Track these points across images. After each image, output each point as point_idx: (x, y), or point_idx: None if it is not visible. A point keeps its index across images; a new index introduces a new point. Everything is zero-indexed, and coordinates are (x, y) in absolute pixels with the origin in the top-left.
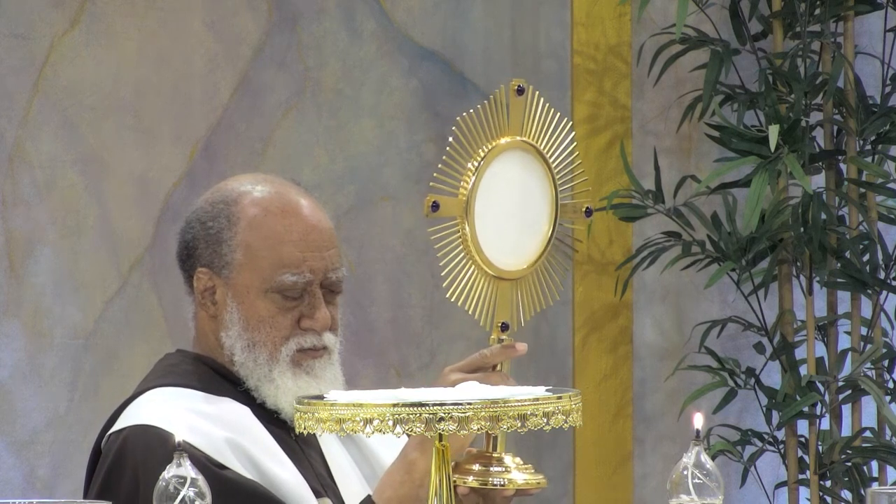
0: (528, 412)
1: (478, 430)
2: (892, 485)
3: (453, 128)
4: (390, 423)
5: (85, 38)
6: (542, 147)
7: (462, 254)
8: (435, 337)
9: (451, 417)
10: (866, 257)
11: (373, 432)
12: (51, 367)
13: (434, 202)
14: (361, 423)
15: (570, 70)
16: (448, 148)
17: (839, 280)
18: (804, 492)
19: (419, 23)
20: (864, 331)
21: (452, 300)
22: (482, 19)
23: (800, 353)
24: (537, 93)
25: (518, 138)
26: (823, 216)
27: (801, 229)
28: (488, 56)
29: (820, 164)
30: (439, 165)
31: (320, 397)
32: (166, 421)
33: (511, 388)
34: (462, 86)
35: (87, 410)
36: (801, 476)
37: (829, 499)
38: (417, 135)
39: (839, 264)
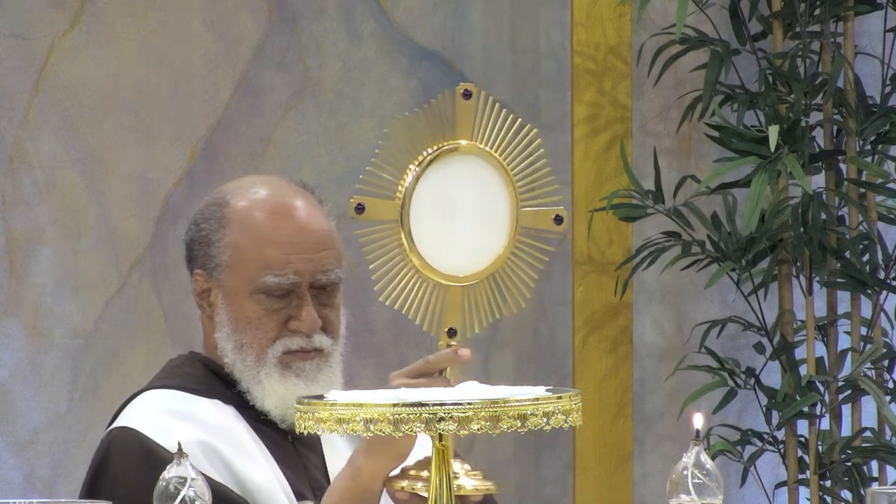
0: (528, 412)
1: (477, 429)
2: (892, 485)
3: (385, 129)
4: (390, 423)
5: (85, 38)
6: (497, 152)
7: (399, 257)
8: (435, 337)
9: (451, 417)
10: (866, 257)
11: (373, 432)
12: (51, 367)
13: (359, 204)
14: (361, 423)
15: (570, 70)
16: (377, 150)
17: (839, 280)
18: (804, 492)
19: (419, 23)
20: (863, 331)
21: (387, 304)
22: (482, 19)
23: (800, 353)
24: (491, 98)
25: (467, 143)
26: (823, 216)
27: (801, 229)
28: (488, 56)
29: (820, 164)
30: (367, 168)
31: (320, 397)
32: (144, 423)
33: (511, 388)
34: None
35: (87, 410)
36: (800, 476)
37: (829, 499)
38: None
39: (839, 264)
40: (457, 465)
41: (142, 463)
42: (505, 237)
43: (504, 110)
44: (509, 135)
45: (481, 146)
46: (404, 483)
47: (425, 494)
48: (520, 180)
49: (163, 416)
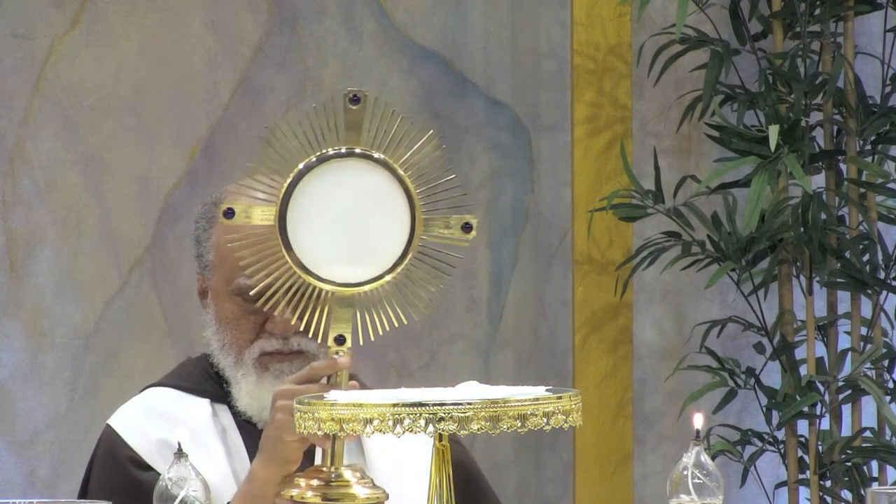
0: (528, 412)
1: (477, 429)
2: (892, 485)
3: (264, 136)
4: (390, 423)
5: (85, 38)
6: (392, 159)
7: (279, 262)
8: (435, 337)
9: (451, 417)
10: (866, 257)
11: (373, 432)
12: (51, 367)
13: (228, 209)
14: (361, 423)
15: (570, 70)
16: (256, 151)
17: (839, 280)
18: (804, 492)
19: (419, 23)
20: (864, 331)
21: (266, 309)
22: (482, 19)
23: (800, 353)
24: (385, 102)
25: (351, 148)
26: (823, 216)
27: (801, 229)
28: (488, 56)
29: (820, 164)
30: (243, 176)
31: (320, 397)
32: (119, 420)
33: (511, 388)
34: (462, 86)
35: (87, 410)
36: (801, 476)
37: (829, 499)
38: None
39: (839, 264)
40: (348, 473)
41: (105, 459)
42: (401, 245)
43: (402, 117)
44: (407, 141)
45: (368, 152)
46: (294, 492)
47: (312, 502)
48: (419, 187)
49: (140, 414)
